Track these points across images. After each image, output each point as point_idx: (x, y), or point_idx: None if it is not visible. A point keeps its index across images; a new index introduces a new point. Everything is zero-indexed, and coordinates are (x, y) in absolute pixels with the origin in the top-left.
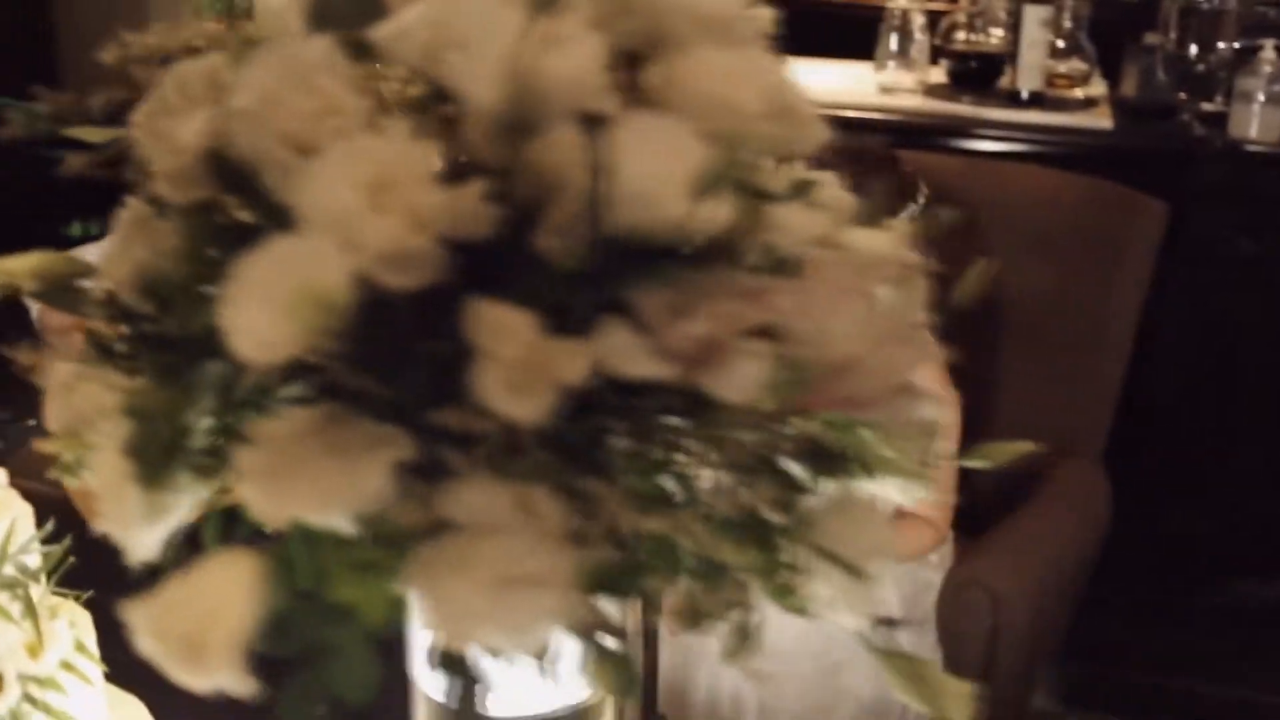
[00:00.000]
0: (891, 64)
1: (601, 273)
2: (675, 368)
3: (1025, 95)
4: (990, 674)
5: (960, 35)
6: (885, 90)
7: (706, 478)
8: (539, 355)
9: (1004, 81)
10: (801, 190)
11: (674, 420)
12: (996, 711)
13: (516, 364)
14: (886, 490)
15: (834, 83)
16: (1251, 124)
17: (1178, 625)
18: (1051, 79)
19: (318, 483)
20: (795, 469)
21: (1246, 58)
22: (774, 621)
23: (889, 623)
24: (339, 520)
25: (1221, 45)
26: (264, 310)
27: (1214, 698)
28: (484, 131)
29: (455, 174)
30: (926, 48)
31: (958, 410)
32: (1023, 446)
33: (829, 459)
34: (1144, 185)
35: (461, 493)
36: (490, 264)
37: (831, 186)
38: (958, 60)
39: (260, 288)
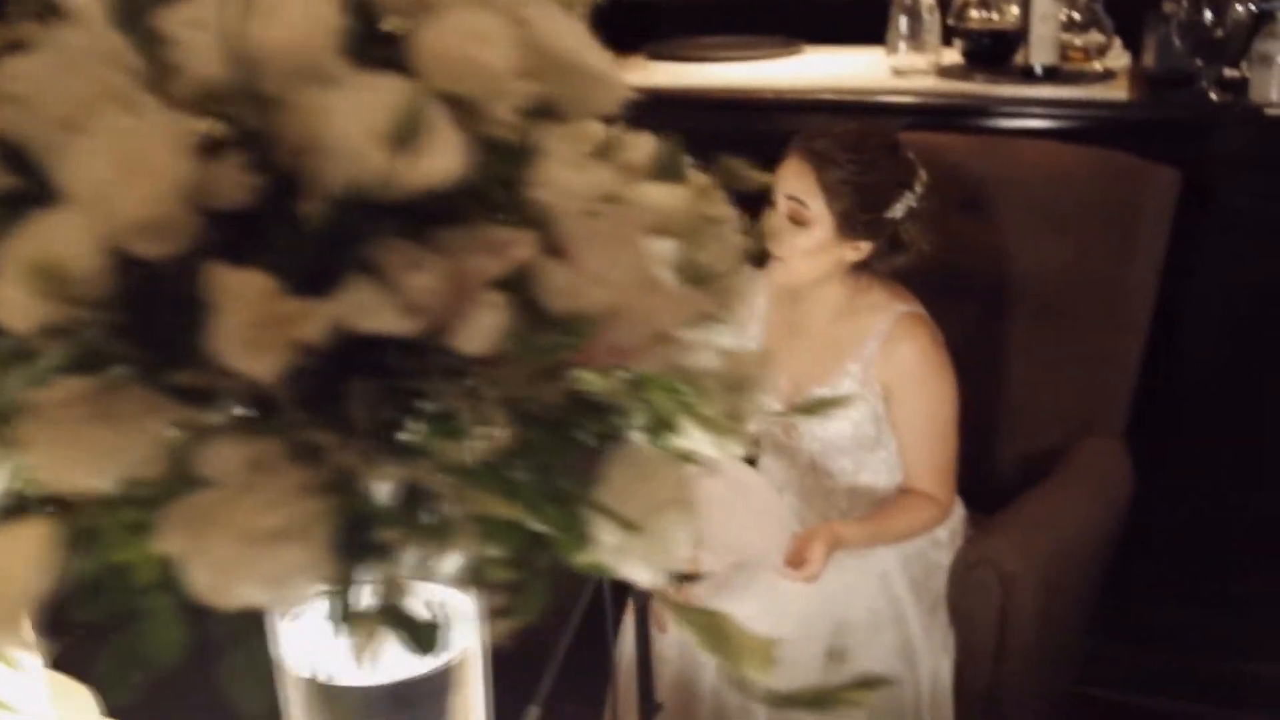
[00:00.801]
0: (903, 46)
1: (339, 231)
2: (419, 322)
3: (1039, 71)
4: (1003, 654)
5: (973, 14)
6: (898, 73)
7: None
8: (274, 314)
9: (1018, 58)
10: (607, 149)
11: (444, 379)
12: (1014, 692)
13: (252, 323)
14: (698, 445)
15: (846, 69)
16: (1272, 88)
17: (1213, 607)
18: (1067, 53)
19: (91, 448)
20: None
21: (1264, 21)
22: (778, 607)
23: (688, 578)
24: (111, 484)
25: (1239, 8)
26: (16, 281)
27: (1251, 678)
28: (234, 102)
29: (220, 146)
30: (938, 28)
31: (956, 385)
32: (846, 399)
33: (604, 413)
34: (1164, 156)
35: (208, 451)
36: (251, 230)
37: (642, 146)
38: (970, 39)
39: (14, 260)
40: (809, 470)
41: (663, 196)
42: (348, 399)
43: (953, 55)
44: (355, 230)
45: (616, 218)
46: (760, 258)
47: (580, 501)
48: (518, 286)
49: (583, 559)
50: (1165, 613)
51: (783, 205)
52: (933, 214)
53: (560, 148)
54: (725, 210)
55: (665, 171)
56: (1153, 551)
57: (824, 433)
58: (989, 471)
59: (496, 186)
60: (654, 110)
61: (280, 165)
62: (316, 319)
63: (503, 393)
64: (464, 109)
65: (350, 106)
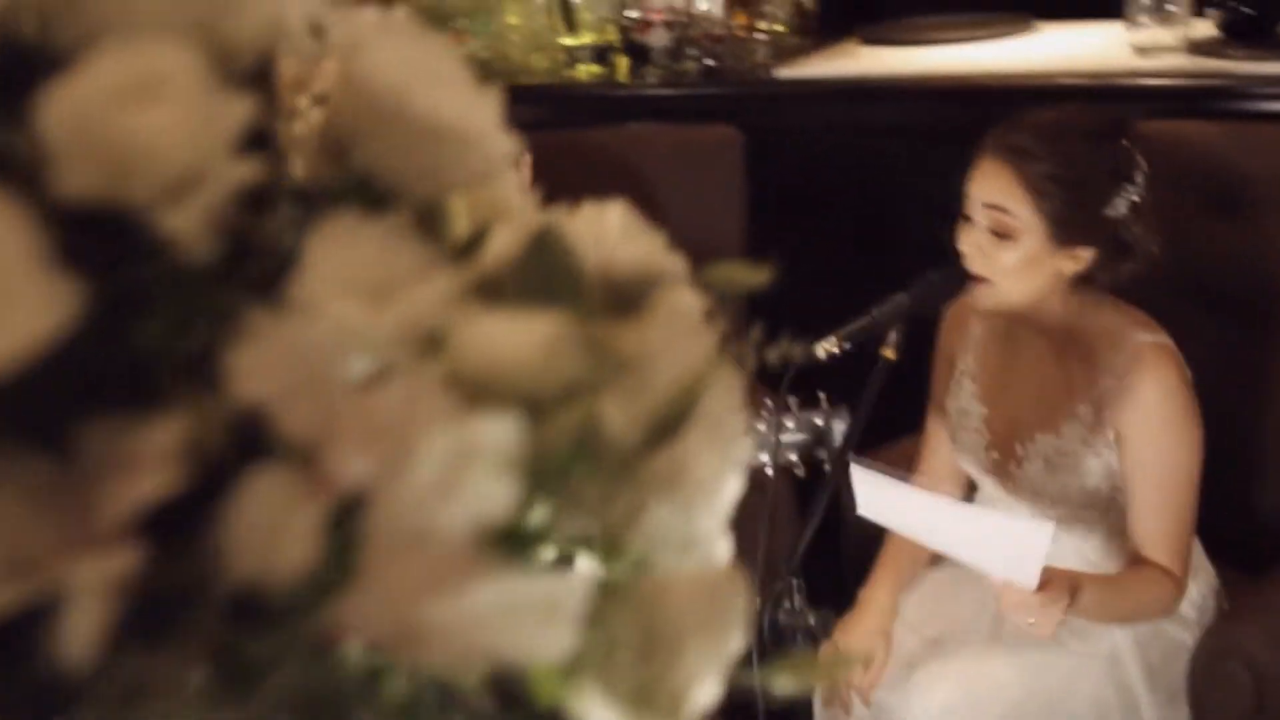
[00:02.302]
0: (1146, 20)
1: None
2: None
3: None
4: None
5: None
6: (1140, 51)
7: None
8: None
9: None
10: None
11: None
12: None
13: None
14: None
15: (1080, 48)
16: None
17: None
18: None
19: None
20: None
21: None
22: (981, 694)
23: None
24: None
25: None
26: None
27: None
28: None
29: None
30: None
31: (1202, 437)
32: None
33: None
34: None
35: None
36: None
37: (507, 236)
38: (1227, 9)
39: None
40: None
41: (512, 336)
42: None
43: (1206, 28)
44: None
45: (375, 407)
46: (958, 278)
47: None
48: (173, 537)
49: None
50: None
51: (982, 216)
52: (1159, 207)
53: (331, 259)
54: (661, 335)
55: (536, 283)
56: None
57: (1046, 489)
58: (1253, 522)
59: (169, 350)
60: (866, 103)
61: None
62: None
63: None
64: (114, 221)
65: None
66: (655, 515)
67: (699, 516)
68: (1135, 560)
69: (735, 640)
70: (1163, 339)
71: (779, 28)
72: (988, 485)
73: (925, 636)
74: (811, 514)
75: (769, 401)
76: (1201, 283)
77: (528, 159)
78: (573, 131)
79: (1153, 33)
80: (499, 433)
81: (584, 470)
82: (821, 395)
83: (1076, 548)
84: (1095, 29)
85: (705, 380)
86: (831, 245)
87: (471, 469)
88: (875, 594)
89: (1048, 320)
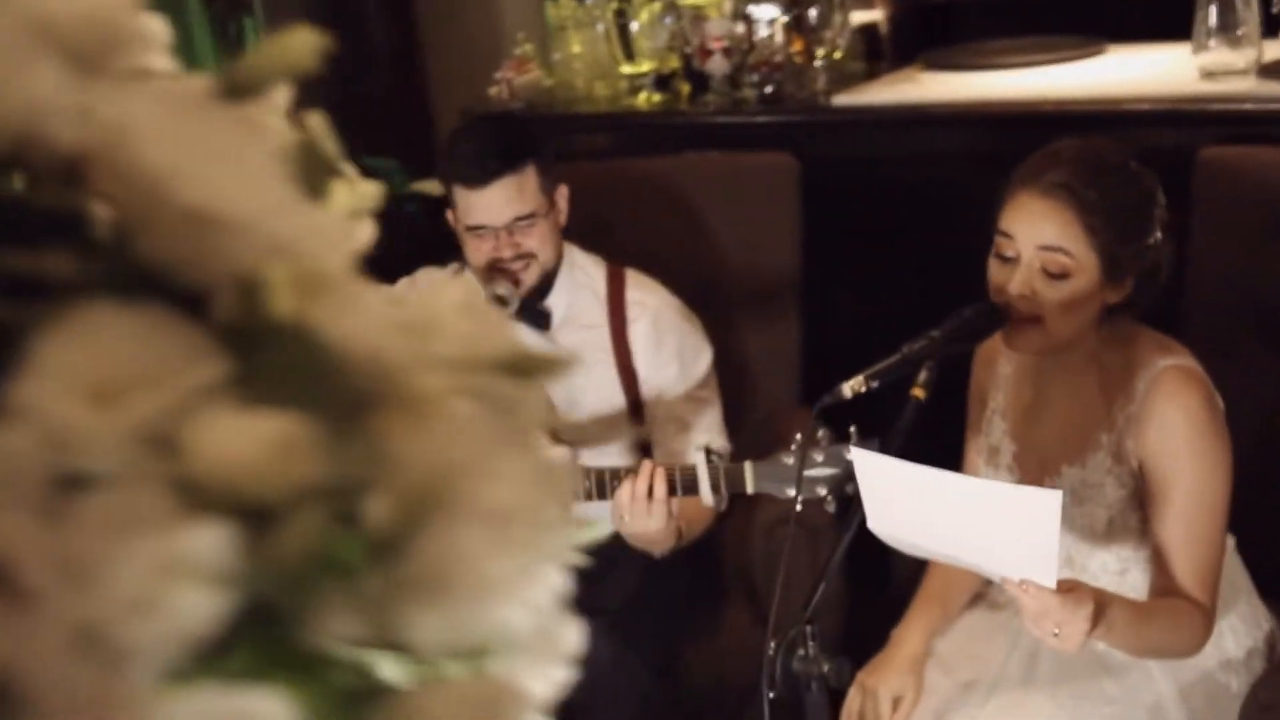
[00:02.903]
0: (1213, 43)
1: None
2: None
3: None
4: None
5: None
6: (1207, 75)
7: None
8: None
9: None
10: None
11: None
12: None
13: None
14: None
15: (1146, 72)
16: None
17: None
18: None
19: None
20: None
21: None
22: None
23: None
24: None
25: None
26: None
27: None
28: None
29: None
30: (1257, 18)
31: (1231, 464)
32: None
33: None
34: None
35: None
36: None
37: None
38: None
39: None
40: (1064, 568)
41: (241, 436)
42: None
43: (1276, 49)
44: None
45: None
46: (991, 314)
47: None
48: None
49: None
50: None
51: (1033, 258)
52: (1226, 233)
53: (65, 355)
54: (435, 430)
55: (278, 379)
56: None
57: (1075, 521)
58: None
59: None
60: (925, 130)
61: None
62: None
63: None
64: None
65: None
66: (422, 620)
67: (497, 617)
68: (1162, 591)
69: None
70: (1186, 361)
71: (838, 55)
72: None
73: (957, 680)
74: (837, 542)
75: (797, 435)
76: (1267, 309)
77: (564, 191)
78: (630, 160)
79: (1221, 56)
80: (210, 543)
81: (333, 576)
82: (852, 429)
83: (1111, 582)
84: (1163, 52)
85: (455, 477)
86: (888, 274)
87: (175, 583)
88: (907, 633)
89: (1079, 353)
